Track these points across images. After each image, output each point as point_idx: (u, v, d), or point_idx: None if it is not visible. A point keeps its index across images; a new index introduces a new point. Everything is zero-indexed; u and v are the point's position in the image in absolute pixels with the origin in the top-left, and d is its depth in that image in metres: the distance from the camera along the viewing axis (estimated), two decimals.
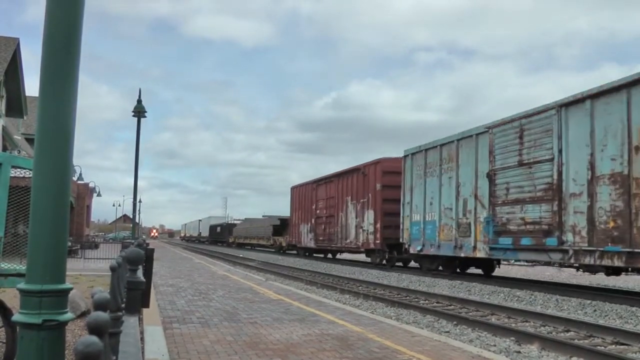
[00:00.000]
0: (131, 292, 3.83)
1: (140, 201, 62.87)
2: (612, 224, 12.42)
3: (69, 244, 10.76)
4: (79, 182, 40.39)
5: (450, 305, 12.63)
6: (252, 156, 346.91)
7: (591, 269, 14.59)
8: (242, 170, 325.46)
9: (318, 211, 32.78)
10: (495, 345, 8.13)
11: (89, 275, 16.56)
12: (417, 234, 21.03)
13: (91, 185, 48.26)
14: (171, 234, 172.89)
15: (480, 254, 17.34)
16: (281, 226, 44.87)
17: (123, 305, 3.18)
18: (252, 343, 6.55)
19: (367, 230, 25.43)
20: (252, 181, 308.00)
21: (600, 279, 20.12)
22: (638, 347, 8.00)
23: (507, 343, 8.35)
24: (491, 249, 16.61)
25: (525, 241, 15.12)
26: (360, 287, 16.67)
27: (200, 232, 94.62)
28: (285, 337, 6.97)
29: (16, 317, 2.38)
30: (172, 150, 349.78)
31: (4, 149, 26.25)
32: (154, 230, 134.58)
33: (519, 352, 7.78)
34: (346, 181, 28.68)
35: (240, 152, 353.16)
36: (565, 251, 13.75)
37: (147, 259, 7.25)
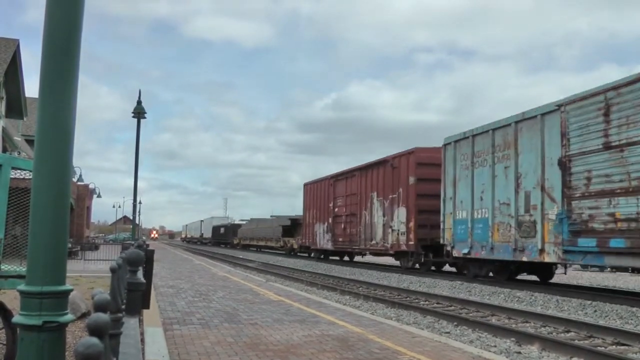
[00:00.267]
0: (131, 293, 3.83)
1: (140, 202, 62.71)
2: None
3: (69, 245, 10.75)
4: (79, 183, 40.38)
5: (450, 306, 12.63)
6: (252, 157, 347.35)
7: None
8: (242, 171, 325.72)
9: (336, 209, 29.95)
10: (495, 346, 8.13)
11: (89, 276, 16.55)
12: (463, 234, 18.17)
13: (91, 186, 48.28)
14: (171, 235, 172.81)
15: (549, 258, 14.48)
16: (292, 227, 42.36)
17: (123, 307, 3.18)
18: (252, 344, 6.55)
19: (398, 230, 22.49)
20: (252, 182, 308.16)
21: (601, 280, 20.11)
22: (638, 347, 8.00)
23: (508, 344, 8.35)
24: (565, 252, 13.84)
25: (615, 243, 12.37)
26: (360, 288, 16.67)
27: (203, 233, 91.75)
28: (286, 338, 6.96)
29: (16, 318, 2.38)
30: (172, 151, 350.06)
31: (4, 150, 26.25)
32: (154, 232, 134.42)
33: (520, 352, 7.78)
34: (371, 175, 25.73)
35: (240, 153, 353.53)
36: None
37: (147, 260, 7.25)
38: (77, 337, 7.73)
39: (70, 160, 2.54)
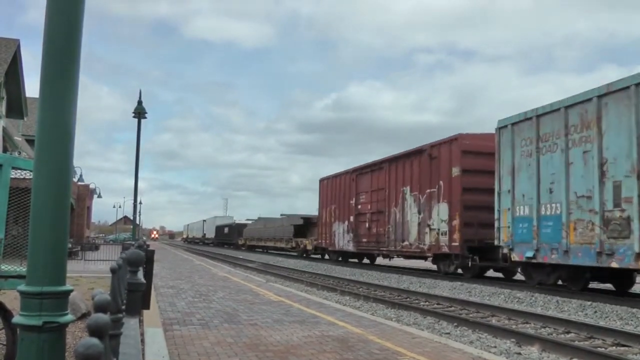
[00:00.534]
0: (131, 293, 3.83)
1: (140, 202, 62.66)
2: None
3: (70, 245, 10.75)
4: (79, 183, 40.39)
5: (450, 307, 12.63)
6: (252, 157, 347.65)
7: None
8: (242, 172, 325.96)
9: (359, 206, 27.03)
10: (495, 347, 8.13)
11: (89, 277, 16.55)
12: (526, 234, 15.14)
13: (91, 186, 48.30)
14: (172, 235, 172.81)
15: None
16: (304, 226, 39.64)
17: (123, 307, 3.18)
18: (252, 345, 6.55)
19: (438, 230, 19.78)
20: (253, 182, 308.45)
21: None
22: (639, 348, 8.00)
23: (508, 344, 8.35)
24: None
25: None
26: (360, 289, 16.67)
27: (205, 234, 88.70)
28: (286, 339, 6.96)
29: (16, 319, 2.38)
30: (172, 152, 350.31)
31: (4, 150, 26.25)
32: (155, 232, 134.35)
33: (520, 353, 7.77)
34: (402, 167, 22.89)
35: (241, 153, 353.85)
36: None
37: (147, 261, 7.24)
38: (77, 338, 7.72)
39: (70, 160, 2.54)
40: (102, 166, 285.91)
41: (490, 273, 19.88)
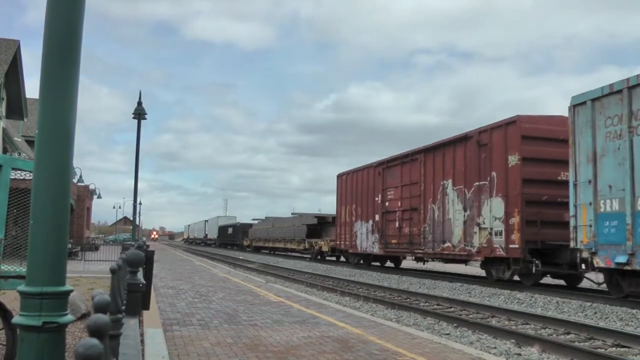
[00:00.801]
0: (131, 294, 3.83)
1: (140, 203, 62.37)
2: None
3: (69, 246, 10.75)
4: (79, 184, 40.40)
5: (450, 308, 12.62)
6: (252, 158, 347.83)
7: None
8: (242, 172, 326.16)
9: (387, 204, 24.24)
10: (495, 348, 8.13)
11: (89, 277, 16.55)
12: (615, 234, 12.42)
13: (91, 187, 48.30)
14: (171, 236, 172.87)
15: None
16: (318, 226, 36.95)
17: (123, 308, 3.18)
18: (252, 345, 6.55)
19: (490, 229, 17.01)
20: (253, 183, 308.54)
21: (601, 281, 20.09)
22: (638, 349, 8.00)
23: (508, 345, 8.35)
24: None
25: None
26: (360, 290, 16.67)
27: (207, 234, 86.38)
28: (286, 340, 6.96)
29: (16, 319, 2.38)
30: (172, 153, 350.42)
31: (4, 151, 26.27)
32: (154, 233, 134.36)
33: (520, 354, 7.78)
34: (441, 157, 19.99)
35: (241, 154, 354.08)
36: None
37: (147, 261, 7.25)
38: (77, 338, 7.73)
39: (70, 161, 2.54)
40: (102, 167, 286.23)
41: (547, 279, 17.06)
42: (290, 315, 9.26)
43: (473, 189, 18.07)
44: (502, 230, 16.53)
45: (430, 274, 21.76)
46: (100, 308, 1.87)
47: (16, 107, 27.49)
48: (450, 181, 19.42)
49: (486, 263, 17.90)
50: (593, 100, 13.26)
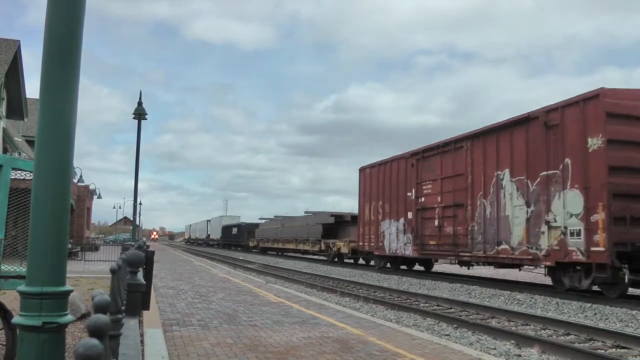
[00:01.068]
0: (131, 294, 3.84)
1: (140, 203, 62.17)
2: None
3: (69, 246, 10.76)
4: (79, 184, 40.41)
5: (450, 308, 12.62)
6: (252, 158, 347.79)
7: None
8: (242, 173, 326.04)
9: (423, 199, 21.25)
10: (495, 349, 8.13)
11: (89, 277, 16.55)
12: None
13: (91, 187, 48.32)
14: (171, 236, 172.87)
15: None
16: (335, 226, 33.96)
17: (123, 308, 3.18)
18: (252, 346, 6.55)
19: (564, 228, 14.10)
20: (253, 183, 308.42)
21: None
22: (638, 350, 8.00)
23: (508, 346, 8.35)
24: None
25: None
26: (360, 290, 16.67)
27: (209, 234, 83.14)
28: (286, 340, 6.96)
29: (16, 319, 2.38)
30: (172, 153, 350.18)
31: (5, 151, 26.28)
32: (154, 233, 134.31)
33: (519, 355, 7.78)
34: (494, 144, 17.11)
35: (241, 155, 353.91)
36: None
37: (147, 261, 7.25)
38: (77, 338, 7.72)
39: (70, 161, 2.54)
40: (102, 167, 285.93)
41: (633, 290, 13.69)
42: (290, 315, 9.25)
43: (539, 179, 15.12)
44: (580, 230, 13.64)
45: (430, 275, 21.75)
46: (100, 308, 1.87)
47: (16, 107, 27.52)
48: (506, 171, 16.53)
49: (555, 269, 14.75)
50: None
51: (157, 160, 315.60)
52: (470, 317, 11.34)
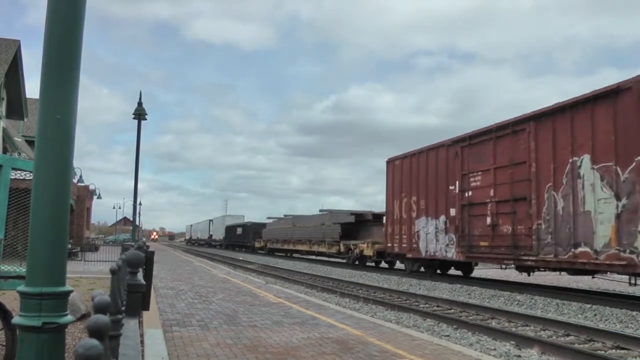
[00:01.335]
0: (131, 294, 3.83)
1: (140, 204, 62.03)
2: None
3: (69, 246, 10.74)
4: (79, 184, 40.41)
5: (450, 309, 12.62)
6: (252, 159, 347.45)
7: None
8: (242, 173, 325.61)
9: (470, 193, 18.23)
10: (495, 349, 8.12)
11: (89, 277, 16.55)
12: None
13: (91, 187, 48.27)
14: (171, 236, 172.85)
15: None
16: (355, 225, 30.95)
17: (123, 308, 3.18)
18: (252, 346, 6.55)
19: None
20: (252, 184, 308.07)
21: (601, 283, 20.10)
22: (638, 351, 8.00)
23: (507, 347, 8.35)
24: None
25: None
26: (360, 291, 16.66)
27: (212, 235, 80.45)
28: (285, 341, 6.96)
29: (16, 319, 2.38)
30: (172, 153, 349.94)
31: (5, 151, 26.28)
32: (154, 233, 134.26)
33: (519, 356, 7.77)
34: (566, 124, 14.16)
35: (241, 155, 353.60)
36: None
37: (147, 262, 7.25)
38: (77, 339, 7.72)
39: (70, 161, 2.54)
40: (102, 167, 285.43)
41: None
42: (290, 316, 9.25)
43: (633, 166, 12.15)
44: None
45: (429, 276, 21.75)
46: (100, 309, 1.87)
47: (16, 107, 27.52)
48: (585, 157, 13.53)
49: None
50: None
51: (157, 160, 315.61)
52: (470, 317, 11.34)
